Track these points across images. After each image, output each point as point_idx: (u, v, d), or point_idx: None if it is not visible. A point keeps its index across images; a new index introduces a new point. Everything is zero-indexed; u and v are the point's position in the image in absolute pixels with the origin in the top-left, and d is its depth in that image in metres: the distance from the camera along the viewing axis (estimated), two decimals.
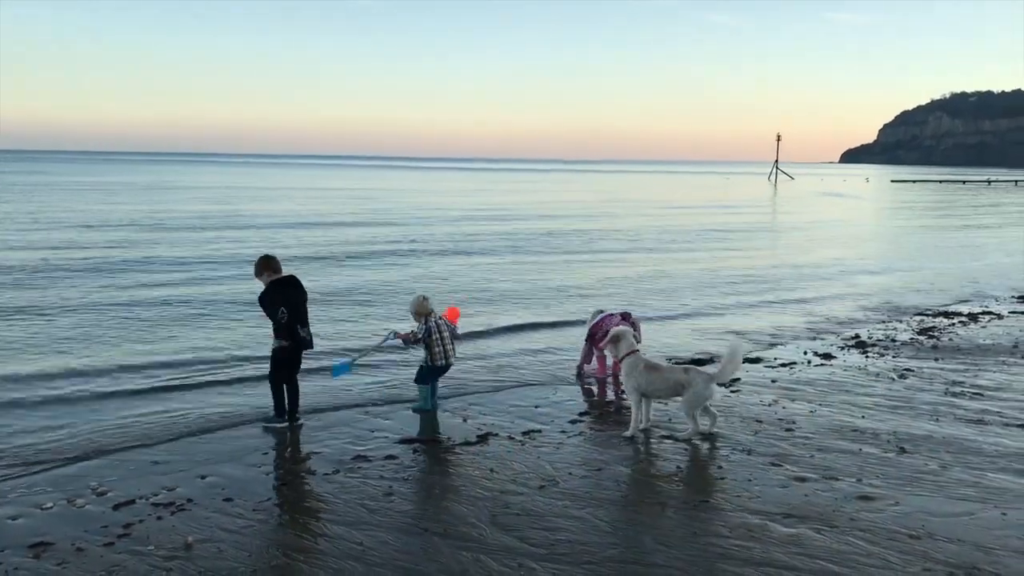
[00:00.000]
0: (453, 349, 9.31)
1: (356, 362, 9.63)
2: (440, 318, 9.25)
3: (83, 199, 50.36)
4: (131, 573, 5.36)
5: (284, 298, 8.49)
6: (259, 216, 38.90)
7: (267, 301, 8.49)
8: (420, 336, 9.05)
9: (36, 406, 9.20)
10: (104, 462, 7.50)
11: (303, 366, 9.09)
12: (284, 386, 8.70)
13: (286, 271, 8.73)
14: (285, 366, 8.68)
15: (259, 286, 8.71)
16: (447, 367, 9.27)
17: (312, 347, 8.90)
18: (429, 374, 9.18)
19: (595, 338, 10.60)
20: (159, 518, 6.23)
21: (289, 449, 7.92)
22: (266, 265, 8.64)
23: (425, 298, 9.21)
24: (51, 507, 6.45)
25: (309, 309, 8.85)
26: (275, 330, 8.50)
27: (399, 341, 9.27)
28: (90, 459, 7.57)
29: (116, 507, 6.43)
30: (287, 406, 8.70)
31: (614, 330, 8.72)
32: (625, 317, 10.60)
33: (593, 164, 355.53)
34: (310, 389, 9.86)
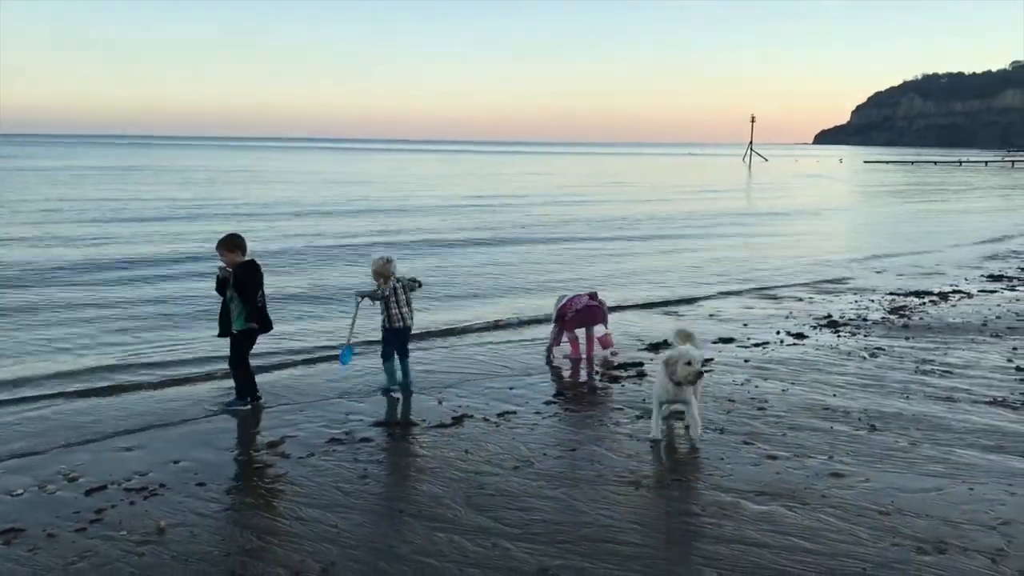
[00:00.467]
0: (410, 312, 9.27)
1: (351, 342, 9.48)
2: (398, 282, 9.19)
3: (48, 183, 49.68)
4: (104, 558, 5.33)
5: (258, 281, 8.45)
6: (230, 202, 38.60)
7: (247, 284, 8.40)
8: (384, 294, 9.04)
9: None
10: (75, 449, 7.41)
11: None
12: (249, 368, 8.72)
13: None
14: (247, 349, 8.65)
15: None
16: (406, 329, 9.26)
17: (272, 329, 8.93)
18: (389, 338, 9.22)
19: (564, 319, 10.62)
20: (132, 503, 6.18)
21: (263, 433, 7.87)
22: (239, 245, 8.55)
23: (388, 260, 9.14)
24: (21, 493, 6.38)
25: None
26: (247, 313, 8.44)
27: (367, 301, 9.24)
28: (60, 447, 7.48)
29: (88, 493, 6.37)
30: (250, 387, 8.72)
31: (671, 354, 7.63)
32: (592, 297, 10.63)
33: (562, 146, 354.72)
34: (283, 375, 9.86)
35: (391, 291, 9.07)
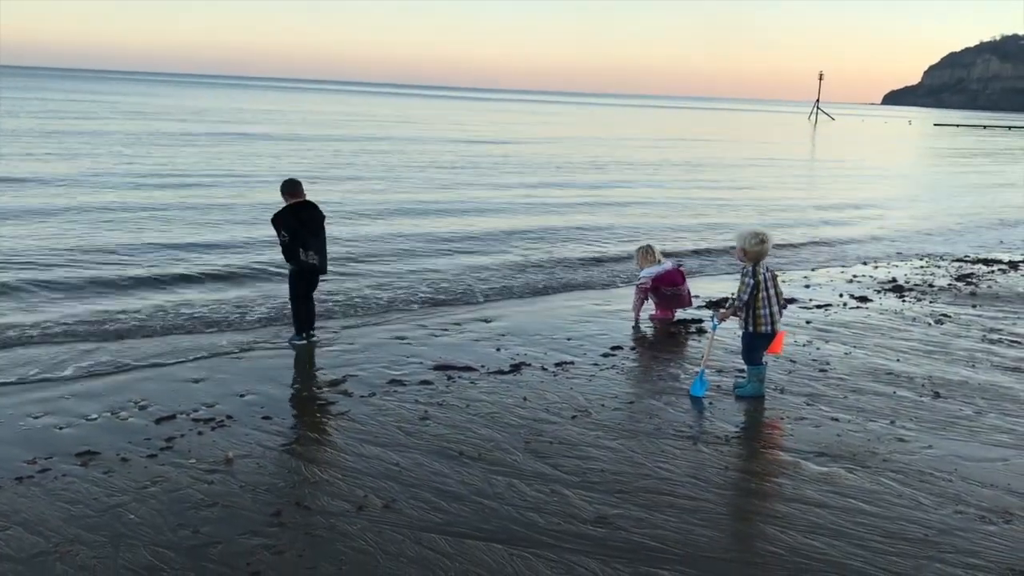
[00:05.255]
0: (780, 314, 7.43)
1: (704, 373, 7.68)
2: (768, 270, 7.35)
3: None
4: (175, 484, 5.51)
5: (297, 221, 8.52)
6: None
7: (276, 224, 8.60)
8: (744, 297, 7.23)
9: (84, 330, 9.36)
10: (144, 375, 7.67)
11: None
12: (303, 305, 8.88)
13: None
14: (297, 286, 8.83)
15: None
16: (773, 336, 7.35)
17: (324, 272, 8.96)
18: (757, 344, 7.41)
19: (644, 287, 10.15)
20: (200, 433, 6.38)
21: (326, 371, 8.03)
22: (285, 188, 8.78)
23: (763, 238, 7.22)
24: (96, 419, 6.62)
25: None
26: (282, 252, 8.68)
27: (721, 322, 7.81)
28: (129, 371, 7.75)
29: (158, 421, 6.59)
30: (298, 324, 8.95)
31: None
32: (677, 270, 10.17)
33: (624, 99, 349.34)
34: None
35: (757, 284, 7.20)
